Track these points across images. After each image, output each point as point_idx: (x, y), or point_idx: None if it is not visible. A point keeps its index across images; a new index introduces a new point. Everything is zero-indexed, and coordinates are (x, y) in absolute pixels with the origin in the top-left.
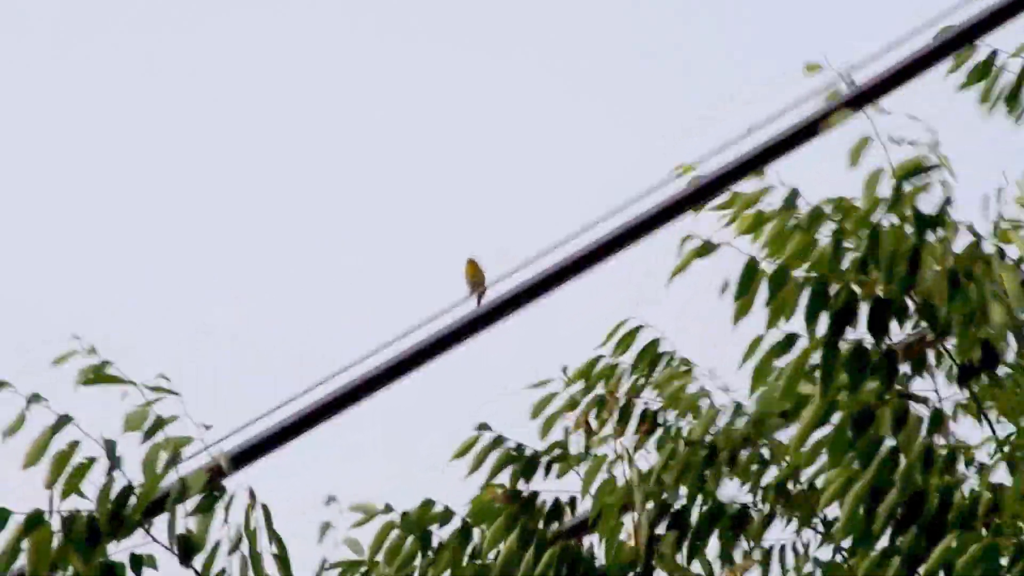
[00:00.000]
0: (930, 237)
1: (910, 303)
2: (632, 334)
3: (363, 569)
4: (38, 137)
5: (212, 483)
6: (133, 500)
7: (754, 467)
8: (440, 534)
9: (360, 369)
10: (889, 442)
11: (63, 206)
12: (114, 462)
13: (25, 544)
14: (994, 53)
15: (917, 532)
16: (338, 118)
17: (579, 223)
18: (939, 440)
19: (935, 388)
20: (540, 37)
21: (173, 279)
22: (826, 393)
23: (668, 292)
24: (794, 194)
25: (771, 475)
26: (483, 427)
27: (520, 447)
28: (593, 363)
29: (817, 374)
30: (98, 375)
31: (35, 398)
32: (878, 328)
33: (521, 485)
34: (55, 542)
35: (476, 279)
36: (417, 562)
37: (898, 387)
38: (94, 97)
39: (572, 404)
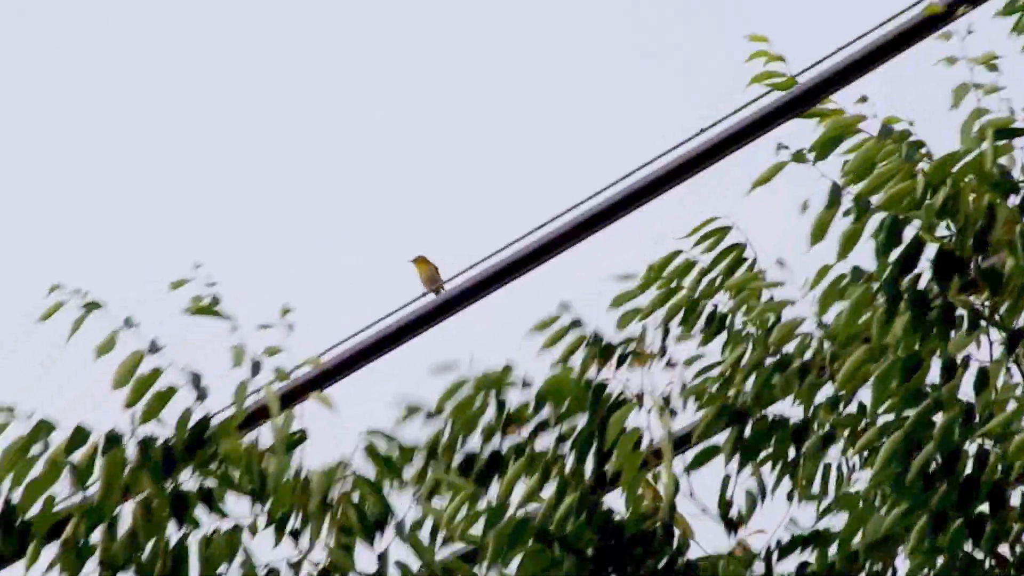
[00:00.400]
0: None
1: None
2: (719, 233)
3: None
4: (37, 136)
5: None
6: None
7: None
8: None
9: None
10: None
11: (65, 206)
12: (200, 392)
13: (99, 464)
14: None
15: (948, 489)
16: (339, 117)
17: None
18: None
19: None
20: (540, 37)
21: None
22: (885, 330)
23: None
24: (888, 127)
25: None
26: (565, 307)
27: (598, 332)
28: (671, 257)
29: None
30: (206, 307)
31: (129, 321)
32: (942, 278)
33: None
34: (129, 465)
35: (430, 277)
36: (482, 424)
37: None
38: (94, 97)
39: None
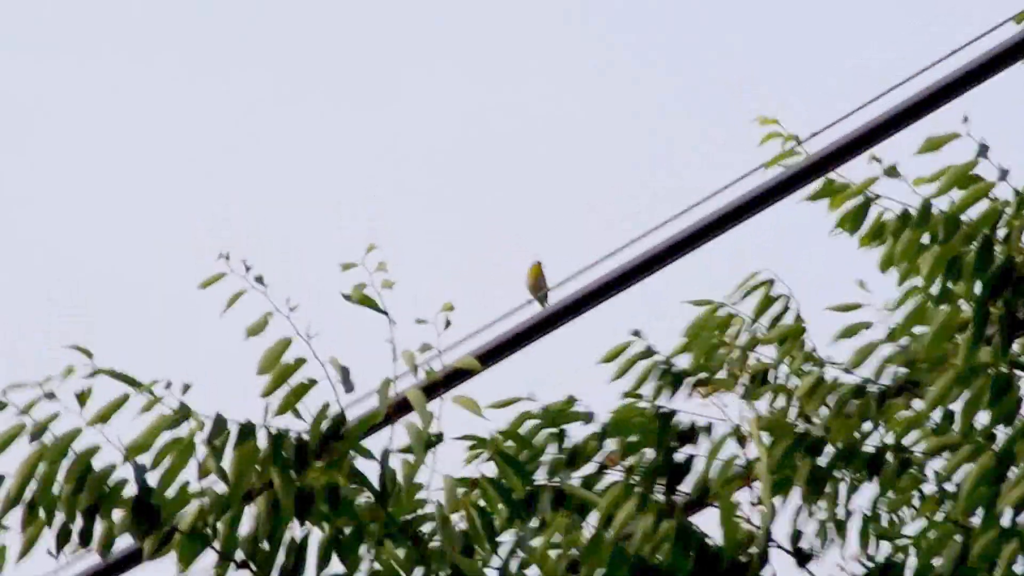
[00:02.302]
0: None
1: None
2: (762, 286)
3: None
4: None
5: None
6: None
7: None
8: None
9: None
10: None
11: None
12: (348, 386)
13: (230, 454)
14: None
15: None
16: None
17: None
18: None
19: None
20: (557, 58)
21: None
22: (974, 351)
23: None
24: (984, 148)
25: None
26: (636, 334)
27: (669, 361)
28: (714, 310)
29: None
30: (365, 297)
31: (288, 303)
32: None
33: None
34: (261, 457)
35: (536, 284)
36: (545, 458)
37: None
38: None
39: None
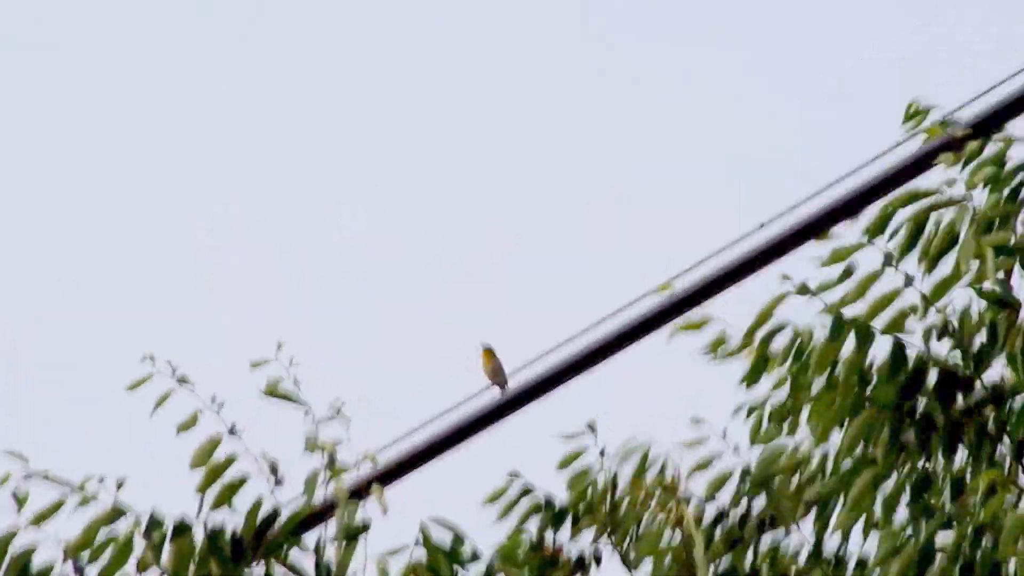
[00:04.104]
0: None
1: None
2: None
3: None
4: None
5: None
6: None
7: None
8: None
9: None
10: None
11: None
12: (277, 481)
13: (167, 549)
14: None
15: None
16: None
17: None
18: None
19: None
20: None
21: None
22: (891, 455)
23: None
24: (889, 257)
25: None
26: (514, 475)
27: (550, 497)
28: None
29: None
30: (281, 392)
31: (214, 400)
32: (945, 398)
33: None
34: (197, 552)
35: (494, 370)
36: None
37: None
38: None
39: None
